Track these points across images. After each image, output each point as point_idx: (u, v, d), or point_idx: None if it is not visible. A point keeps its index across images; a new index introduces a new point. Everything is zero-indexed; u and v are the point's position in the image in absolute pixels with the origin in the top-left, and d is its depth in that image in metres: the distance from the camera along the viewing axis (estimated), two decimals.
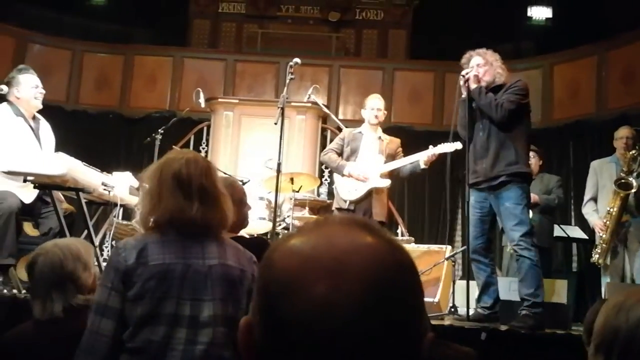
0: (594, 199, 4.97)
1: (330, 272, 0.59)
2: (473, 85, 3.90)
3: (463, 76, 3.94)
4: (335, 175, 4.99)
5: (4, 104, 4.13)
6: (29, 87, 4.15)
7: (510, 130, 3.81)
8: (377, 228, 0.65)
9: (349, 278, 0.59)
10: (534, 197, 4.76)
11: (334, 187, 5.05)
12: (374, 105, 4.84)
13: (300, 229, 0.67)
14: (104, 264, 3.88)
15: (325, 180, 7.00)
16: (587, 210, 4.98)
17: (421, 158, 4.59)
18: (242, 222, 2.66)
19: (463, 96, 3.98)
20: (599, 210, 4.88)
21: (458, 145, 4.52)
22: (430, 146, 4.60)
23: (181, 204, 1.82)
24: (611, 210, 4.67)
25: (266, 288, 0.62)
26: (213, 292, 1.77)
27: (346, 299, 0.58)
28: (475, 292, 3.96)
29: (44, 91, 4.25)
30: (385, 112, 4.97)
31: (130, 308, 1.73)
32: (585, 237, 6.07)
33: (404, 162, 4.70)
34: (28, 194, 3.96)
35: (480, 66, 3.93)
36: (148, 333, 1.71)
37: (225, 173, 5.45)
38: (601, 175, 4.94)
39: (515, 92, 3.84)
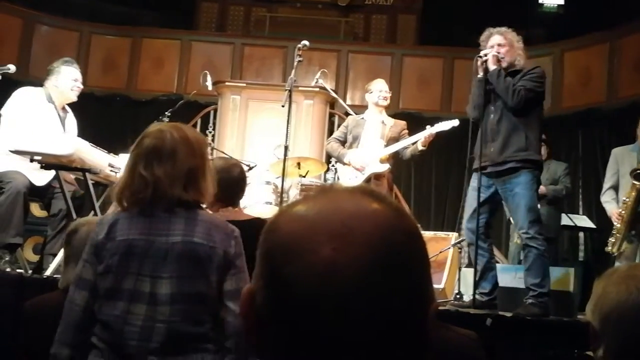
0: (614, 187, 4.86)
1: (336, 236, 0.58)
2: (492, 66, 3.76)
3: (481, 56, 3.80)
4: (339, 164, 5.01)
5: (40, 88, 4.21)
6: (69, 79, 4.27)
7: (523, 116, 3.70)
8: (383, 195, 0.64)
9: (355, 241, 0.58)
10: (541, 188, 4.69)
11: (337, 175, 5.07)
12: (382, 88, 4.87)
13: (305, 195, 0.66)
14: None
15: (332, 166, 6.97)
16: (606, 199, 4.89)
17: (419, 139, 4.58)
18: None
19: (479, 76, 3.83)
20: (619, 200, 4.80)
21: (455, 123, 4.53)
22: (428, 126, 4.59)
23: (146, 182, 1.81)
24: (627, 200, 4.62)
25: (270, 252, 0.61)
26: (172, 270, 1.75)
27: (352, 263, 0.57)
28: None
29: (81, 86, 4.38)
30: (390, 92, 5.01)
31: (99, 282, 1.77)
32: (593, 226, 6.04)
33: (400, 146, 4.69)
34: (41, 177, 4.00)
35: (502, 46, 3.78)
36: (110, 307, 1.75)
37: (224, 153, 5.45)
38: (622, 164, 4.84)
39: (533, 80, 3.72)
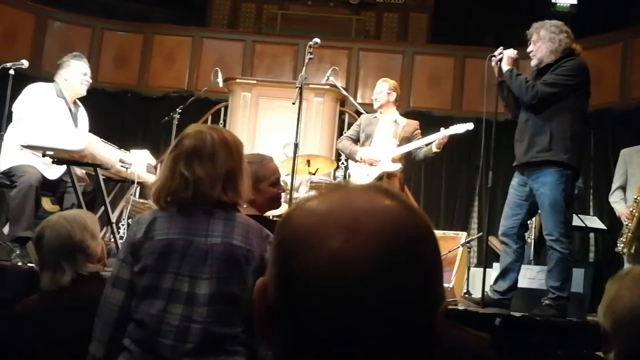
0: (622, 188, 4.85)
1: (347, 228, 0.59)
2: (505, 67, 3.73)
3: (495, 56, 3.77)
4: (350, 162, 5.01)
5: (50, 83, 4.25)
6: (78, 73, 4.31)
7: (548, 114, 3.58)
8: (396, 193, 0.64)
9: (365, 234, 0.58)
10: None
11: (348, 172, 5.07)
12: (376, 89, 4.89)
13: (319, 191, 0.67)
14: (120, 241, 3.91)
15: (342, 163, 6.97)
16: (615, 199, 4.88)
17: (432, 141, 4.57)
18: (269, 201, 2.62)
19: (498, 79, 3.79)
20: (627, 200, 4.78)
21: (469, 126, 4.51)
22: (442, 128, 4.58)
23: (187, 181, 1.81)
24: (638, 199, 4.59)
25: (282, 243, 0.62)
26: (212, 271, 1.75)
27: (361, 255, 0.57)
28: (491, 278, 3.92)
29: (90, 80, 4.42)
30: (391, 92, 4.90)
31: (137, 280, 1.77)
32: (604, 227, 6.01)
33: (414, 146, 4.69)
34: (54, 171, 4.04)
35: (534, 42, 3.70)
36: (147, 306, 1.74)
37: None
38: (631, 164, 4.82)
39: (559, 73, 3.59)
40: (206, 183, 1.81)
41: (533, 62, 3.73)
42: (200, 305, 1.73)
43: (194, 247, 1.77)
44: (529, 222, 5.40)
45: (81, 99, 4.47)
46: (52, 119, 4.10)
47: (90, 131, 4.14)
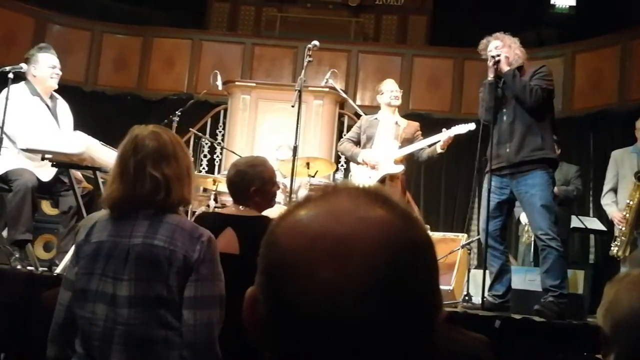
0: (614, 190, 4.87)
1: (336, 256, 0.57)
2: (506, 68, 3.78)
3: (493, 57, 3.82)
4: (352, 164, 5.00)
5: (22, 83, 4.18)
6: (46, 67, 4.17)
7: (538, 116, 3.72)
8: (389, 198, 0.61)
9: (355, 262, 0.56)
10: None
11: (349, 175, 5.06)
12: (393, 88, 4.86)
13: (306, 198, 0.63)
14: None
15: (342, 166, 6.98)
16: (606, 201, 4.90)
17: (436, 141, 4.57)
18: (270, 201, 2.66)
19: (489, 78, 3.85)
20: (618, 202, 4.79)
21: (471, 126, 4.51)
22: (444, 129, 4.58)
23: (118, 184, 1.82)
24: (631, 202, 4.60)
25: (270, 269, 0.60)
26: (131, 272, 1.73)
27: (352, 286, 0.56)
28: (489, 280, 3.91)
29: (60, 72, 4.26)
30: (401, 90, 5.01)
31: (75, 282, 1.80)
32: (604, 228, 6.00)
33: (416, 147, 4.68)
34: (46, 173, 4.02)
35: (499, 48, 3.81)
36: (81, 308, 1.76)
37: (234, 153, 5.48)
38: (622, 166, 4.84)
39: (544, 78, 3.75)
40: (176, 183, 1.82)
41: (505, 66, 3.79)
42: (122, 307, 1.72)
43: (119, 248, 1.76)
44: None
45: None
46: (31, 119, 4.02)
47: (89, 134, 4.11)
